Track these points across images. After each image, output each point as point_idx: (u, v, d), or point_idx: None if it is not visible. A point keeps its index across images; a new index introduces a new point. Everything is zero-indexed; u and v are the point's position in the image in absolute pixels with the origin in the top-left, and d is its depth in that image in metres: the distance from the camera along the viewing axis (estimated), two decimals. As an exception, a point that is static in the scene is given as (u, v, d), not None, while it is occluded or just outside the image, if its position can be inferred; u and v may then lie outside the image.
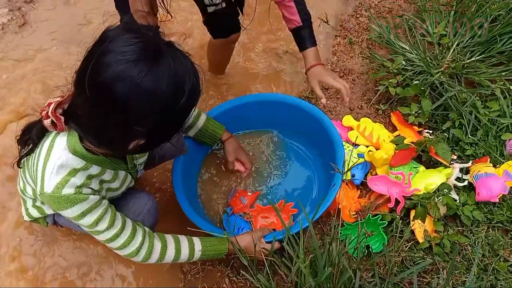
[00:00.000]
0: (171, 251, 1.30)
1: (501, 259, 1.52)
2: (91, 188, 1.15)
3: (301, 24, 1.59)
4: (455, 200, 1.59)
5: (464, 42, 2.05)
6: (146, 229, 1.29)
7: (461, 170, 1.68)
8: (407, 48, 2.10)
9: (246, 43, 2.26)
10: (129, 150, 1.05)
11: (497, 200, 1.58)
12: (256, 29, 2.26)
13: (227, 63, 2.09)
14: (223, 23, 1.72)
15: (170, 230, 1.38)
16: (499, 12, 2.03)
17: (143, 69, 0.91)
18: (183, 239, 1.35)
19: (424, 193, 1.57)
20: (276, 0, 1.56)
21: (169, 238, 1.33)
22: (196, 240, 1.37)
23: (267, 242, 1.43)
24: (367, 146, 1.80)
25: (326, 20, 2.00)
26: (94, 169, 1.15)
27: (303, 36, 1.62)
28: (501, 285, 1.47)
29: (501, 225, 1.60)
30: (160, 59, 0.94)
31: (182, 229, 1.42)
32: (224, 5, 1.60)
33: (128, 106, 0.94)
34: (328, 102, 2.05)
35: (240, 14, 1.71)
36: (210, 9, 1.61)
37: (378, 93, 1.97)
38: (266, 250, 1.40)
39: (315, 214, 1.38)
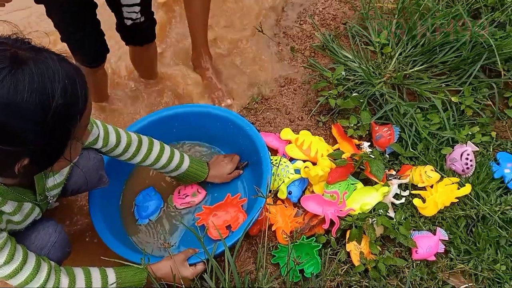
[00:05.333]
0: (81, 287, 1.19)
1: (439, 283, 1.44)
2: None
3: None
4: (392, 219, 1.51)
5: (407, 51, 1.98)
6: (52, 263, 1.18)
7: (399, 186, 1.61)
8: (350, 57, 2.02)
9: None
10: (18, 173, 0.93)
11: (434, 259, 1.46)
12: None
13: (152, 68, 2.03)
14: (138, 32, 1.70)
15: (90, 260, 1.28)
16: (441, 22, 1.97)
17: None
18: (95, 272, 1.23)
19: (359, 213, 1.47)
20: None
21: (79, 272, 1.21)
22: (110, 272, 1.25)
23: (191, 265, 1.35)
24: (304, 161, 1.69)
25: (260, 29, 1.90)
26: None
27: None
28: (439, 309, 1.39)
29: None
30: (18, 67, 0.83)
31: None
32: (142, 19, 1.60)
33: None
34: (267, 113, 1.95)
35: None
36: (128, 22, 1.60)
37: (318, 104, 1.88)
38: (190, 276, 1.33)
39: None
